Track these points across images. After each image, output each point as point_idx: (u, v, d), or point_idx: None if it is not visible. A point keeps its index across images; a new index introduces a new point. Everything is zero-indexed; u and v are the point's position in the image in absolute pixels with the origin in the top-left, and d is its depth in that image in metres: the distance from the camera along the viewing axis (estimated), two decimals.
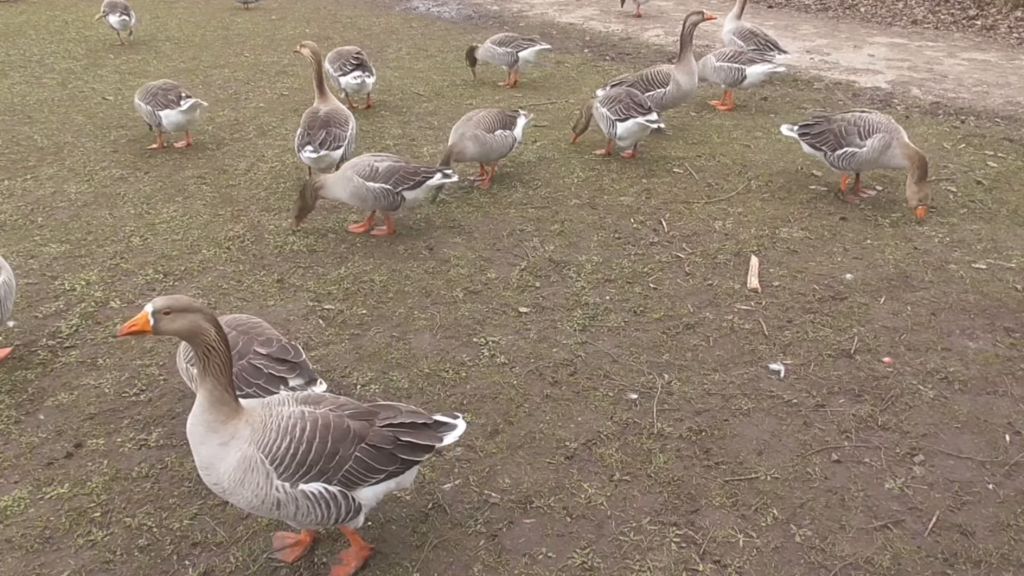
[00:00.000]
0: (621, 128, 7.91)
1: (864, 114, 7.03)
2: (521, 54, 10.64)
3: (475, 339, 5.32)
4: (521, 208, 7.24)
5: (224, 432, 3.24)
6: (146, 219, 7.08)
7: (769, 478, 4.15)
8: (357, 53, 9.77)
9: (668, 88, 8.62)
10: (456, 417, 3.62)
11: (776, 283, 5.99)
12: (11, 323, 5.51)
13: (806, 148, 7.29)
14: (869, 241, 6.59)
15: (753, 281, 5.97)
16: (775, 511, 3.95)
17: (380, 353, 5.18)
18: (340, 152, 7.39)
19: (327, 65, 9.78)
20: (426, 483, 4.12)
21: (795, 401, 4.73)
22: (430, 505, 3.99)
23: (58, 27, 15.14)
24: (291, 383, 4.04)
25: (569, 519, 3.92)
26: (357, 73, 9.61)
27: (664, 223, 6.95)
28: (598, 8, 16.65)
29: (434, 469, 4.21)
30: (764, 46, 10.46)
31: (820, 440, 4.42)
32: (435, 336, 5.37)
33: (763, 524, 3.88)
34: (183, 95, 8.33)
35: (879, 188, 7.56)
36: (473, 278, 6.08)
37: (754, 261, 6.22)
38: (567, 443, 4.40)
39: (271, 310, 5.67)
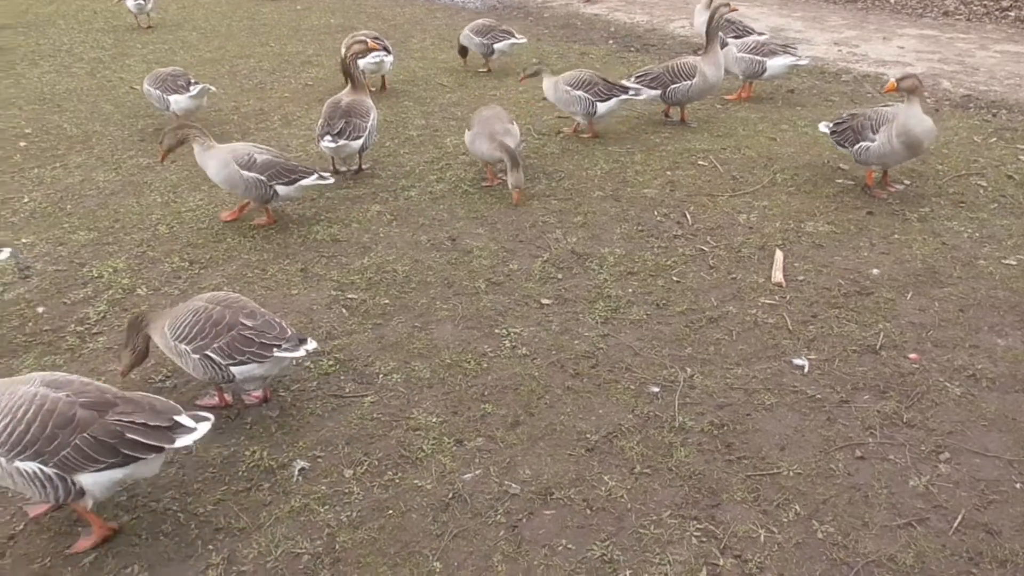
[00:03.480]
0: (603, 107, 8.22)
1: (883, 108, 6.97)
2: (496, 46, 10.82)
3: (497, 330, 5.33)
4: (544, 200, 7.23)
5: None
6: (172, 207, 7.15)
7: (791, 474, 4.12)
8: (376, 37, 9.88)
9: (694, 80, 8.55)
10: (201, 420, 3.65)
11: (801, 277, 5.93)
12: (40, 309, 5.60)
13: (838, 146, 7.27)
14: (896, 236, 6.51)
15: (777, 275, 5.92)
16: (797, 507, 3.92)
17: (402, 343, 5.20)
18: (360, 142, 7.42)
19: (343, 48, 9.89)
20: (447, 472, 4.13)
21: (819, 396, 4.68)
22: (450, 495, 4.00)
23: (87, 17, 15.30)
24: (283, 347, 4.27)
25: (589, 511, 3.91)
26: (376, 54, 9.70)
27: (688, 216, 6.91)
28: None
29: (455, 459, 4.23)
30: (743, 32, 10.39)
31: (844, 436, 4.38)
32: (457, 327, 5.38)
33: (785, 520, 3.85)
34: (192, 81, 8.49)
35: (907, 183, 7.46)
36: (495, 269, 6.08)
37: (779, 255, 6.17)
38: (588, 435, 4.39)
39: (295, 299, 5.71)
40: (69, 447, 3.45)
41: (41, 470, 3.45)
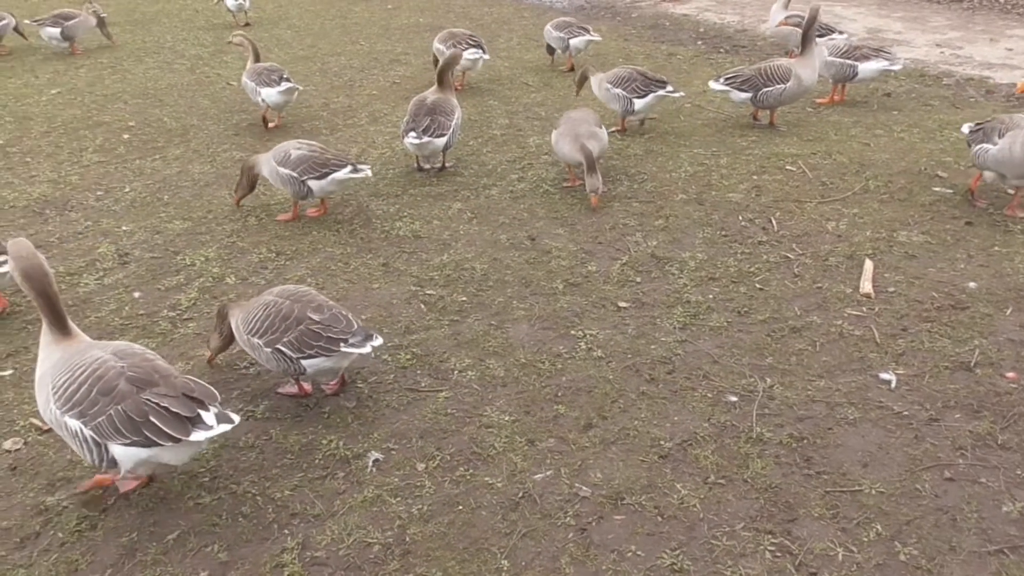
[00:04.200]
0: (640, 104, 8.32)
1: (1020, 115, 6.60)
2: (572, 41, 10.99)
3: (573, 331, 5.31)
4: (625, 202, 7.16)
5: (44, 352, 3.92)
6: (261, 200, 7.37)
7: (874, 492, 3.97)
8: (472, 35, 10.30)
9: (788, 84, 8.33)
10: (223, 421, 3.67)
11: (891, 289, 5.70)
12: (136, 294, 5.86)
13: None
14: (997, 248, 6.19)
15: (866, 286, 5.71)
16: (879, 527, 3.77)
17: (478, 340, 5.23)
18: (444, 140, 7.50)
19: (438, 44, 10.16)
20: (517, 472, 4.14)
21: (906, 413, 4.49)
22: (520, 494, 4.01)
23: (189, 15, 15.95)
24: (350, 341, 4.34)
25: (660, 519, 3.86)
26: (474, 50, 10.04)
27: (774, 222, 6.73)
28: None
29: (526, 459, 4.23)
30: (825, 31, 10.23)
31: (932, 456, 4.19)
32: (533, 326, 5.38)
33: (865, 539, 3.71)
34: (284, 77, 8.85)
35: (1011, 191, 7.08)
36: (573, 270, 6.06)
37: (868, 265, 5.95)
38: (661, 442, 4.33)
39: (375, 293, 5.81)
40: (104, 415, 3.62)
41: (81, 430, 3.66)
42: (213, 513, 3.93)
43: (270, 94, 8.82)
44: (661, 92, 8.29)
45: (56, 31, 12.36)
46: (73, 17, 12.52)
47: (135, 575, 3.60)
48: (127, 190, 7.67)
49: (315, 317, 4.42)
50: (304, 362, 4.41)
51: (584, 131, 7.09)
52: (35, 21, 12.55)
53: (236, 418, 3.74)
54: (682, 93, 8.50)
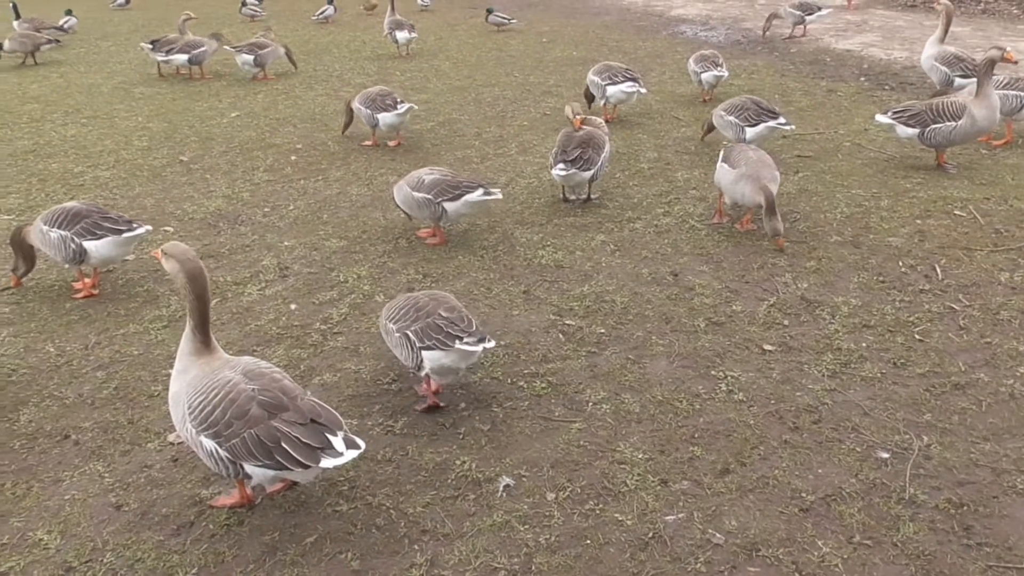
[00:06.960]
0: (751, 132, 8.10)
1: None
2: (703, 76, 10.99)
3: (713, 372, 5.16)
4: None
5: (181, 362, 4.06)
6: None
7: None
8: (628, 68, 10.39)
9: (960, 122, 7.84)
10: (354, 447, 3.74)
11: None
12: (293, 306, 6.21)
13: None
14: None
15: None
16: None
17: (614, 374, 5.19)
18: (590, 173, 7.55)
19: (593, 76, 10.26)
20: (648, 511, 4.05)
21: None
22: (650, 534, 3.91)
23: (356, 46, 16.92)
24: (465, 339, 4.58)
25: (798, 575, 3.66)
26: (631, 83, 10.11)
27: (938, 269, 6.31)
28: (880, 34, 15.55)
29: (658, 499, 4.13)
30: (971, 72, 9.42)
31: None
32: (671, 364, 5.28)
33: None
34: (399, 100, 9.47)
35: None
36: (717, 309, 5.90)
37: None
38: (803, 494, 4.12)
39: (515, 319, 5.89)
40: (238, 438, 3.78)
41: (216, 450, 3.83)
42: (349, 522, 4.07)
43: (386, 118, 9.44)
44: (772, 123, 8.11)
45: (250, 57, 13.68)
46: (266, 46, 13.77)
47: (275, 573, 3.78)
48: (291, 208, 8.18)
49: (444, 314, 4.70)
50: (424, 353, 4.64)
51: (767, 174, 6.78)
52: (234, 47, 13.89)
53: (362, 443, 3.83)
54: (793, 127, 8.30)
